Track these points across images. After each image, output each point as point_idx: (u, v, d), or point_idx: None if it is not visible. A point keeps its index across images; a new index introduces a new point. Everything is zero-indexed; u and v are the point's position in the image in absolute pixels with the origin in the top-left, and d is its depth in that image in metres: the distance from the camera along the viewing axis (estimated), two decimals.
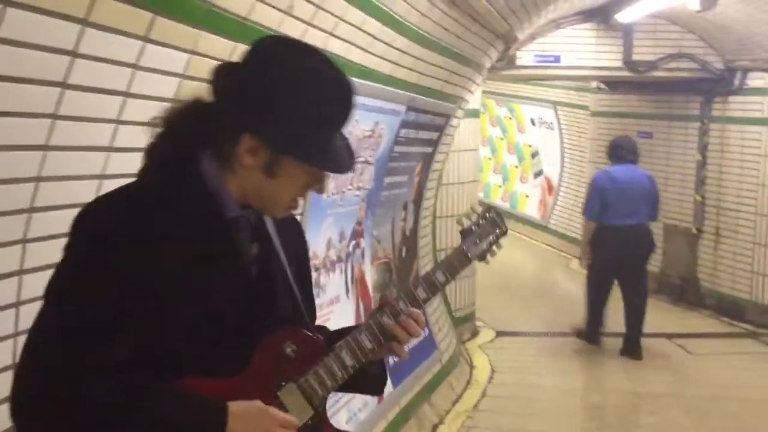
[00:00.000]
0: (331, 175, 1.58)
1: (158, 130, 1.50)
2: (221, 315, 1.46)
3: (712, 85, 8.43)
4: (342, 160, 1.54)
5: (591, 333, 7.16)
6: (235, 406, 1.41)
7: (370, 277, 4.89)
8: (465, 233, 1.86)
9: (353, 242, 4.53)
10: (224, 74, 1.51)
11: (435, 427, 5.21)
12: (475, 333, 7.58)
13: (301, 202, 1.58)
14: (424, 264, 6.12)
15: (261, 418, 1.43)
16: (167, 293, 1.39)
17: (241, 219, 1.53)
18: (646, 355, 6.97)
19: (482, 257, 1.86)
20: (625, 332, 6.96)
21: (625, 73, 8.56)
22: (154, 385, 1.38)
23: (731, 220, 8.40)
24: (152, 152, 1.51)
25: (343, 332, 1.68)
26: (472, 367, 6.58)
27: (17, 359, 1.39)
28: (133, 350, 1.37)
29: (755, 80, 7.99)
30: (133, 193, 1.46)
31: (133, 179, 1.52)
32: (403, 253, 5.69)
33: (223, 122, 1.46)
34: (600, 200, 6.81)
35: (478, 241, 1.85)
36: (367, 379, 1.70)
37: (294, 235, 1.72)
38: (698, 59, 8.34)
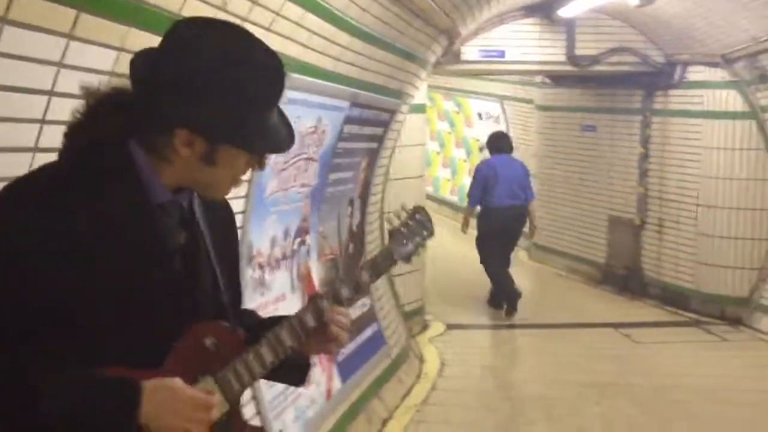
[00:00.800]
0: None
1: (78, 117, 1.45)
2: (142, 305, 1.42)
3: (654, 79, 8.57)
4: (280, 137, 1.51)
5: (495, 299, 8.32)
6: (149, 383, 1.37)
7: (317, 273, 4.86)
8: (393, 233, 1.87)
9: (298, 239, 4.50)
10: (144, 63, 1.45)
11: (384, 421, 5.21)
12: (425, 326, 7.61)
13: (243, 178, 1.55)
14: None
15: (176, 396, 1.38)
16: (87, 283, 1.35)
17: (170, 205, 1.50)
18: (593, 345, 7.09)
19: (407, 258, 1.87)
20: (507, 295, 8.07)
21: (569, 68, 8.66)
22: (70, 372, 1.35)
23: (674, 210, 8.56)
24: (72, 138, 1.46)
25: (274, 320, 1.66)
26: (422, 360, 6.60)
27: None
28: (48, 345, 1.34)
29: (695, 73, 8.16)
30: (51, 179, 1.40)
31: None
32: (350, 249, 5.68)
33: (151, 115, 1.42)
34: (483, 187, 8.11)
35: (405, 241, 1.87)
36: (289, 369, 1.68)
37: (223, 218, 1.68)
38: (639, 53, 8.48)
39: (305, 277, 4.63)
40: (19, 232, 1.33)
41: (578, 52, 8.51)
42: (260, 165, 1.53)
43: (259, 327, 1.64)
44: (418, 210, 1.93)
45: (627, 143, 9.19)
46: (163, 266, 1.47)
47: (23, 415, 1.31)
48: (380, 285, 6.37)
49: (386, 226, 1.88)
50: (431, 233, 1.94)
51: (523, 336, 7.66)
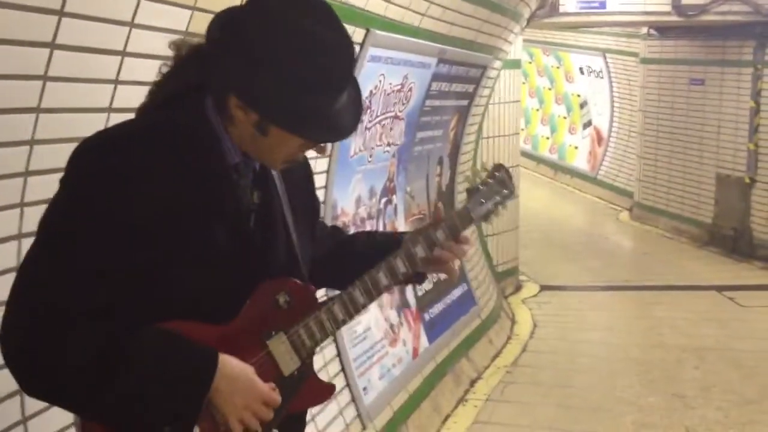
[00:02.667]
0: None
1: (165, 69, 1.46)
2: (215, 260, 1.43)
3: (765, 29, 8.08)
4: (337, 125, 1.46)
5: None
6: (226, 368, 1.39)
7: None
8: (471, 192, 1.81)
9: (384, 199, 4.49)
10: (219, 22, 1.43)
11: (473, 382, 5.19)
12: (518, 287, 7.51)
13: (301, 156, 1.52)
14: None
15: (246, 387, 1.41)
16: (162, 235, 1.36)
17: (244, 165, 1.50)
18: (695, 309, 6.84)
19: (485, 218, 1.82)
20: None
21: (675, 18, 8.25)
22: (146, 329, 1.36)
23: None
24: (156, 91, 1.48)
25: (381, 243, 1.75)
26: (513, 322, 6.52)
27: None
28: (124, 294, 1.35)
29: None
30: (133, 131, 1.42)
31: None
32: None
33: (214, 75, 1.41)
34: None
35: (483, 200, 1.81)
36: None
37: (301, 175, 1.67)
38: (751, 2, 7.99)
39: None
40: (102, 179, 1.34)
41: (685, 1, 8.08)
42: (318, 150, 1.52)
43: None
44: (499, 168, 1.85)
45: (737, 97, 8.73)
46: (237, 224, 1.48)
47: (99, 372, 1.33)
48: (472, 245, 6.30)
49: (464, 185, 1.83)
50: (511, 193, 1.87)
51: (621, 298, 7.44)
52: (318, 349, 1.61)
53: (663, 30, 9.59)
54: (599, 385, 5.21)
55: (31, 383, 1.35)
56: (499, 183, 1.83)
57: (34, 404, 1.82)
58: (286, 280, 1.54)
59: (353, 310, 1.60)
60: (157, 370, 1.34)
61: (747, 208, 8.67)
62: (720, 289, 7.43)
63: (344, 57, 1.43)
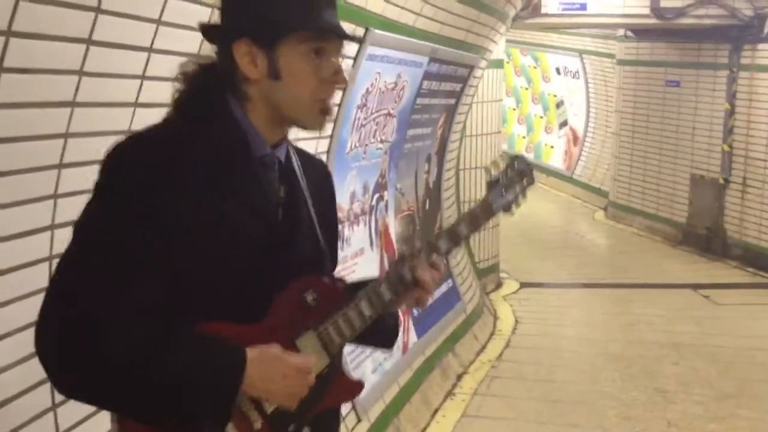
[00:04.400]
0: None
1: (179, 84, 1.50)
2: (245, 256, 1.45)
3: (741, 32, 8.27)
4: (336, 24, 1.51)
5: None
6: (252, 352, 1.41)
7: (394, 229, 4.91)
8: (491, 184, 1.82)
9: (377, 195, 4.55)
10: (209, 27, 1.55)
11: (459, 376, 5.27)
12: (499, 284, 7.62)
13: (331, 102, 1.54)
14: (448, 216, 6.14)
15: (277, 364, 1.43)
16: (194, 233, 1.39)
17: (270, 159, 1.53)
18: (671, 306, 7.00)
19: (507, 208, 1.83)
20: None
21: (653, 21, 8.41)
22: (178, 328, 1.38)
23: (759, 169, 8.30)
24: (174, 109, 1.51)
25: (360, 285, 1.66)
26: (496, 318, 6.63)
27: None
28: (160, 292, 1.38)
29: None
30: (163, 133, 1.46)
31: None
32: (427, 206, 5.70)
33: (219, 48, 1.49)
34: None
35: (504, 192, 1.82)
36: (380, 332, 1.71)
37: (322, 180, 1.71)
38: (727, 6, 8.17)
39: (383, 233, 4.69)
40: (135, 180, 1.38)
41: (663, 4, 8.24)
42: (333, 74, 1.51)
43: (351, 288, 1.65)
44: (517, 158, 1.87)
45: (712, 99, 8.92)
46: (265, 218, 1.50)
47: (133, 370, 1.34)
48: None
49: (485, 177, 1.85)
50: (532, 181, 1.88)
51: (599, 296, 7.58)
52: (346, 346, 1.62)
53: (639, 32, 9.75)
54: (581, 379, 5.32)
55: (64, 377, 1.37)
56: (518, 173, 1.84)
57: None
58: (314, 277, 1.56)
59: (380, 305, 1.60)
60: (188, 373, 1.36)
61: (720, 209, 8.86)
62: (695, 287, 7.60)
63: None
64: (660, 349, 5.88)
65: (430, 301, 1.76)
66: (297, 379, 1.45)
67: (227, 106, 1.49)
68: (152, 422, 1.38)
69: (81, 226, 1.40)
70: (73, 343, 1.33)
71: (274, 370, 1.42)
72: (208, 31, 1.53)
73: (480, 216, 1.78)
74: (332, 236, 1.74)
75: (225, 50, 1.48)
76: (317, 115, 1.52)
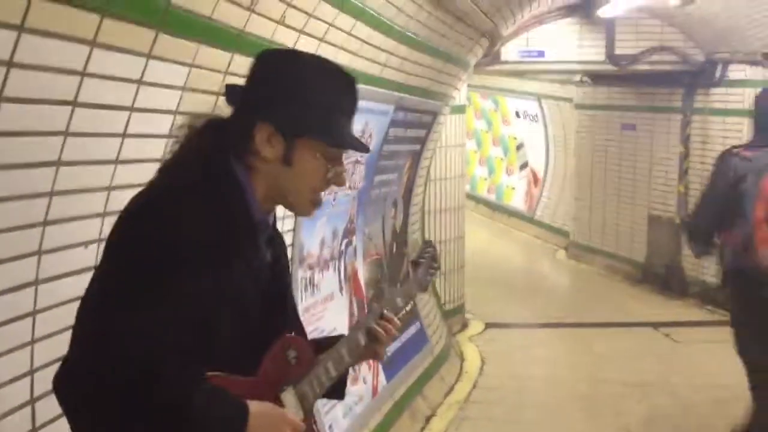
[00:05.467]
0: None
1: (176, 144, 1.58)
2: (247, 315, 1.56)
3: (694, 78, 8.56)
4: (355, 138, 1.66)
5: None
6: (255, 406, 1.49)
7: (363, 273, 4.98)
8: (415, 264, 2.11)
9: (345, 240, 4.62)
10: (235, 91, 1.62)
11: (428, 419, 5.32)
12: (464, 325, 7.69)
13: (323, 196, 1.66)
14: (412, 247, 6.21)
15: (277, 421, 1.53)
16: (207, 293, 1.47)
17: (264, 225, 1.62)
18: (633, 345, 7.12)
19: (425, 289, 2.10)
20: None
21: (609, 67, 8.68)
22: (200, 386, 1.44)
23: None
24: (177, 156, 1.58)
25: (323, 342, 1.82)
26: (462, 359, 6.69)
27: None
28: (181, 349, 1.43)
29: (736, 72, 8.13)
30: (178, 197, 1.49)
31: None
32: (394, 249, 5.79)
33: (237, 124, 1.57)
34: None
35: (424, 273, 2.10)
36: (333, 385, 1.81)
37: (282, 247, 1.79)
38: (679, 52, 8.47)
39: (352, 278, 4.75)
40: (153, 247, 1.43)
41: (618, 51, 8.53)
42: (338, 177, 1.63)
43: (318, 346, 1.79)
44: (429, 243, 2.16)
45: (667, 142, 9.19)
46: (261, 280, 1.60)
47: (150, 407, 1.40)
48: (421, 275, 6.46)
49: (408, 260, 2.05)
50: (438, 267, 2.17)
51: (563, 335, 7.70)
52: (316, 403, 1.75)
53: (596, 77, 10.04)
54: (548, 418, 5.40)
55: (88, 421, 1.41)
56: (431, 257, 2.12)
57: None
58: (294, 337, 1.68)
59: (342, 366, 1.76)
60: (202, 424, 1.43)
61: (678, 247, 9.06)
62: (656, 325, 7.75)
63: (354, 88, 1.65)
64: (623, 388, 5.99)
65: (387, 354, 1.92)
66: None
67: (233, 170, 1.56)
68: None
69: (115, 290, 1.42)
70: (110, 402, 1.37)
71: (272, 425, 1.52)
72: (232, 93, 1.61)
73: (413, 289, 2.05)
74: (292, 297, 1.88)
75: (245, 120, 1.56)
76: (309, 206, 1.65)
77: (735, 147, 4.28)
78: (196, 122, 1.60)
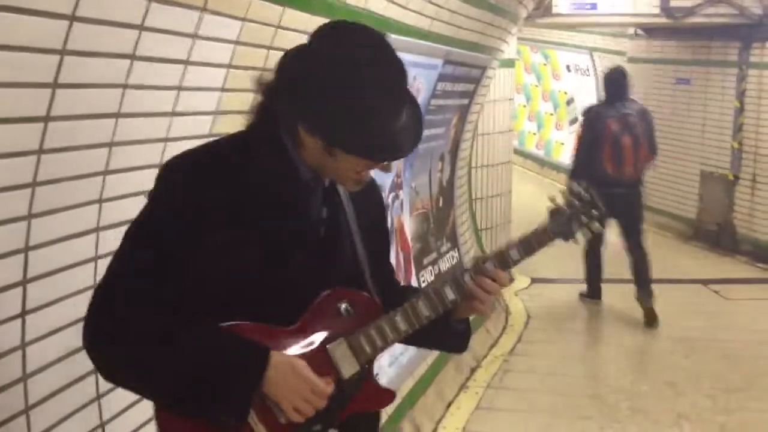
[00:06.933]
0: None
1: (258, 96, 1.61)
2: (284, 266, 1.57)
3: (751, 31, 8.34)
4: (399, 144, 1.55)
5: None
6: (278, 356, 1.51)
7: (409, 227, 5.03)
8: (553, 213, 1.83)
9: (392, 194, 4.66)
10: (288, 57, 1.55)
11: (473, 370, 5.39)
12: (510, 279, 7.69)
13: (370, 174, 1.65)
14: (460, 213, 6.24)
15: (297, 376, 1.52)
16: (238, 244, 1.51)
17: (315, 183, 1.64)
18: (682, 301, 7.08)
19: (565, 237, 1.83)
20: None
21: (663, 20, 8.48)
22: (203, 323, 1.50)
23: None
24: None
25: (410, 294, 1.76)
26: (507, 313, 6.73)
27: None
28: (197, 292, 1.50)
29: None
30: (216, 148, 1.58)
31: (193, 140, 1.66)
32: (440, 204, 5.82)
33: (282, 106, 1.55)
34: None
35: (565, 221, 1.82)
36: (451, 336, 1.81)
37: (371, 201, 1.80)
38: (736, 4, 8.24)
39: (398, 231, 4.81)
40: (185, 195, 1.51)
41: (673, 3, 8.32)
42: (383, 168, 1.62)
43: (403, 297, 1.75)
44: (587, 189, 1.84)
45: (721, 97, 8.99)
46: (306, 233, 1.62)
47: (156, 356, 1.48)
48: (468, 239, 6.51)
49: (548, 205, 1.84)
50: (602, 214, 1.84)
51: (609, 291, 7.65)
52: (378, 356, 1.69)
53: (650, 30, 9.82)
54: (593, 373, 5.44)
55: (98, 357, 1.51)
56: (587, 203, 1.83)
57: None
58: (349, 290, 1.66)
59: (416, 320, 1.68)
60: (210, 362, 1.47)
61: (730, 205, 8.93)
62: (705, 282, 7.69)
63: (400, 79, 1.55)
64: (671, 343, 5.98)
65: (490, 310, 1.81)
66: (309, 396, 1.53)
67: (280, 136, 1.58)
68: (175, 408, 1.50)
69: (132, 232, 1.54)
70: (109, 325, 1.48)
71: (292, 381, 1.51)
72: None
73: (534, 244, 1.81)
74: (383, 243, 1.86)
75: (287, 111, 1.55)
76: (352, 184, 1.63)
77: None
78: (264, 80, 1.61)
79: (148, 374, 1.49)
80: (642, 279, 6.57)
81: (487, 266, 1.75)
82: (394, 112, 1.53)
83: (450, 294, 1.72)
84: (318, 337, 1.59)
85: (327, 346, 1.60)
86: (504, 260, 1.78)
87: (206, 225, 1.49)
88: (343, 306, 1.62)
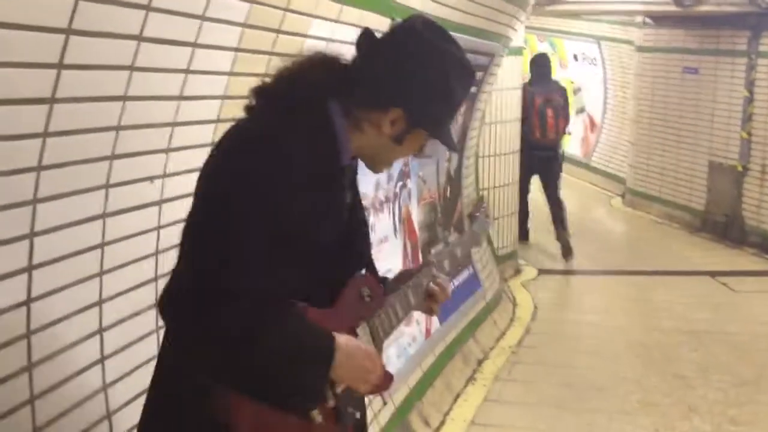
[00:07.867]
0: None
1: (279, 74, 1.62)
2: (327, 252, 1.60)
3: (760, 20, 8.25)
4: (452, 139, 1.76)
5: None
6: (342, 338, 1.54)
7: (417, 216, 4.98)
8: (471, 217, 2.26)
9: (400, 183, 4.61)
10: (371, 42, 1.65)
11: (480, 362, 5.35)
12: (517, 271, 7.68)
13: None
14: (468, 203, 6.19)
15: (359, 352, 1.57)
16: (296, 229, 1.50)
17: (350, 168, 1.69)
18: (689, 293, 7.03)
19: (478, 243, 2.28)
20: None
21: (672, 8, 8.39)
22: (287, 314, 1.50)
23: None
24: (264, 93, 1.62)
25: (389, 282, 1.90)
26: (515, 304, 6.69)
27: None
28: (270, 279, 1.47)
29: None
30: (276, 133, 1.53)
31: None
32: (448, 193, 5.76)
33: (373, 89, 1.60)
34: None
35: (477, 227, 2.24)
36: None
37: (356, 185, 1.83)
38: None
39: (406, 220, 4.76)
40: (253, 177, 1.47)
41: None
42: (422, 153, 1.75)
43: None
44: (482, 200, 2.31)
45: (730, 86, 8.91)
46: (342, 219, 1.66)
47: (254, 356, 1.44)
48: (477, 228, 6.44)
49: (471, 170, 2.12)
50: (489, 224, 2.34)
51: (617, 282, 7.63)
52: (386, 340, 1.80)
53: (658, 19, 9.73)
54: (601, 365, 5.39)
55: (188, 337, 1.47)
56: (484, 214, 2.28)
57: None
58: (368, 276, 1.75)
59: (408, 308, 1.86)
60: (292, 350, 1.48)
61: (739, 196, 8.86)
62: (713, 274, 7.63)
63: (472, 73, 1.72)
64: (679, 336, 5.93)
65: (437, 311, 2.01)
66: (372, 368, 1.60)
67: (329, 114, 1.60)
68: (254, 396, 1.48)
69: (212, 209, 1.48)
70: (203, 315, 1.41)
71: (356, 358, 1.57)
72: (366, 40, 1.65)
73: (469, 244, 2.20)
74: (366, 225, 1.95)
75: (381, 100, 1.61)
76: (386, 168, 1.78)
77: None
78: (304, 56, 1.64)
79: (245, 372, 1.46)
80: (558, 221, 8.10)
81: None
82: (464, 99, 1.73)
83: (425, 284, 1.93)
84: (348, 321, 1.66)
85: (356, 330, 1.68)
86: (455, 259, 2.09)
87: (279, 215, 1.47)
88: (365, 292, 1.71)
